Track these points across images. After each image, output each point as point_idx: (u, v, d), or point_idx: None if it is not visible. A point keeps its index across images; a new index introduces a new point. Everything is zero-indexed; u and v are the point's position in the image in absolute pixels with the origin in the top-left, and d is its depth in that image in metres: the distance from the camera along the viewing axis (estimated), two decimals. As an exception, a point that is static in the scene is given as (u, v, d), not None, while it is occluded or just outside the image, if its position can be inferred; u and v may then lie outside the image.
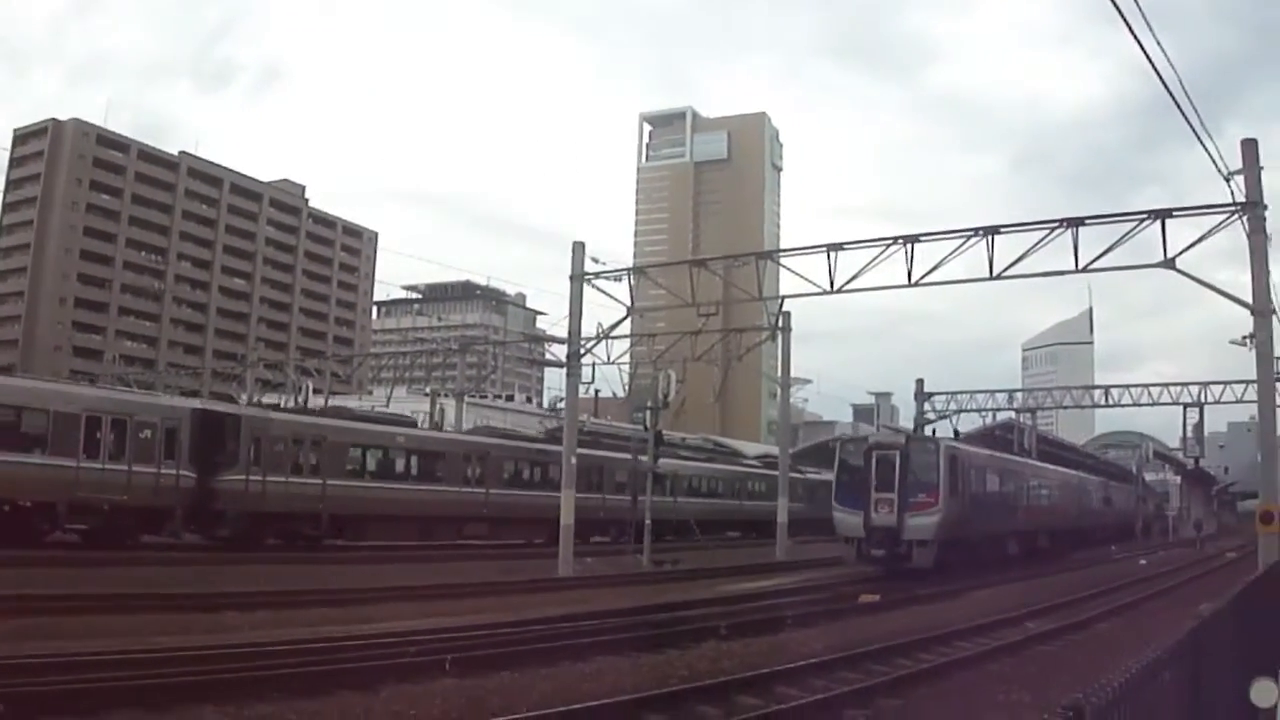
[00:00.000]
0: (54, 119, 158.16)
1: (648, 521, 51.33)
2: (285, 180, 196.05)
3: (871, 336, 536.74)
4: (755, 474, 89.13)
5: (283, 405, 62.94)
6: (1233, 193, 33.95)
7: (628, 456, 60.71)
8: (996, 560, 51.58)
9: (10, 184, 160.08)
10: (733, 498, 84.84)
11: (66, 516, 40.91)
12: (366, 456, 53.29)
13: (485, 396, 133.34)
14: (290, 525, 48.07)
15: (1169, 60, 24.24)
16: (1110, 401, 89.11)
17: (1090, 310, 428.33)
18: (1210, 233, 35.20)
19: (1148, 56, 22.28)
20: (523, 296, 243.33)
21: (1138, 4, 20.27)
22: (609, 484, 65.70)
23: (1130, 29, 20.43)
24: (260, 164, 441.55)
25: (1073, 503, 76.35)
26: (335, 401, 75.98)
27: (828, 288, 41.00)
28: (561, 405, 64.86)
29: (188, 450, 44.21)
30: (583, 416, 64.43)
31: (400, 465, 54.99)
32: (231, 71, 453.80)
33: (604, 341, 49.91)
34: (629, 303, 47.05)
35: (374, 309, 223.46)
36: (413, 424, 61.40)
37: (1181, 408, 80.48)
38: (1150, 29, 21.46)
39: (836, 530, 49.31)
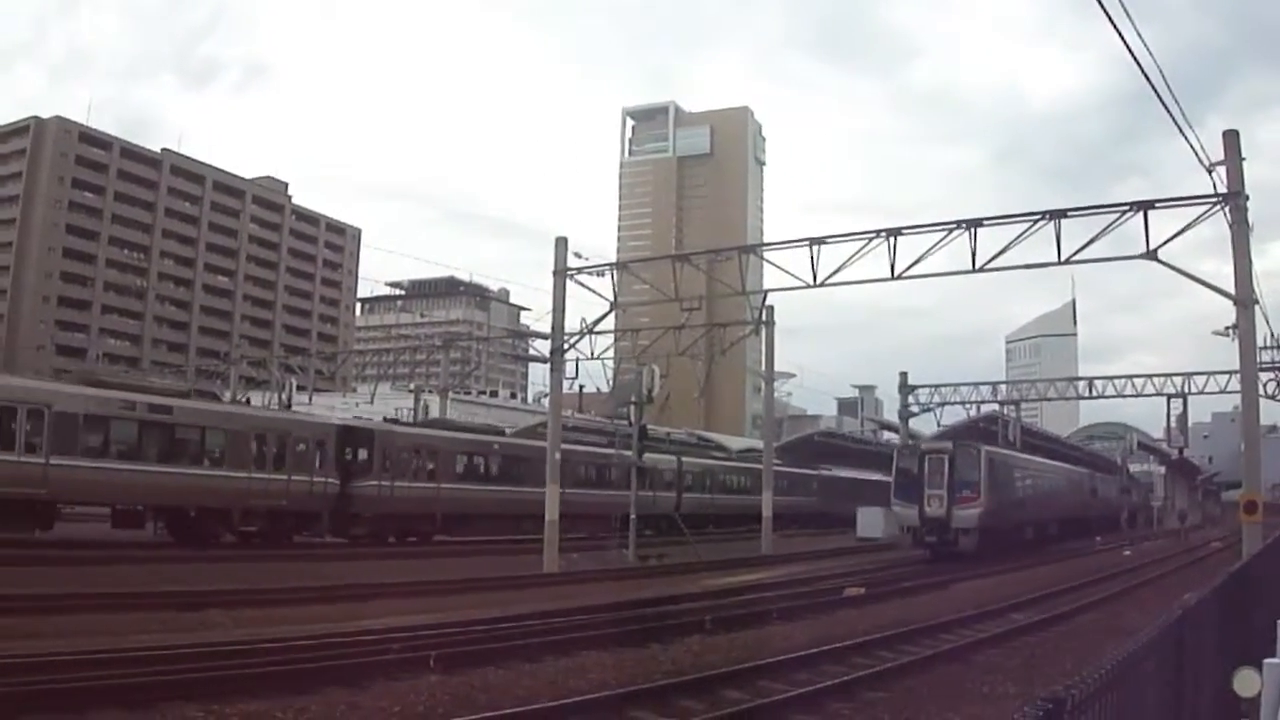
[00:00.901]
0: (36, 116, 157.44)
1: (633, 516, 51.34)
2: (268, 177, 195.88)
3: (855, 330, 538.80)
4: (786, 472, 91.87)
5: (268, 403, 63.07)
6: (1215, 184, 34.05)
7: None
8: (1020, 545, 59.75)
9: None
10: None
11: (240, 520, 47.40)
12: (472, 462, 59.90)
13: (469, 393, 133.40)
14: (412, 524, 53.05)
15: (1150, 52, 24.19)
16: (1094, 393, 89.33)
17: (1073, 302, 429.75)
18: (1192, 224, 35.28)
19: (1129, 48, 22.30)
20: (506, 292, 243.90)
21: (1119, -3, 20.30)
22: (659, 482, 72.37)
23: (1111, 21, 20.44)
24: (244, 161, 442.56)
25: (1074, 495, 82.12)
26: (319, 399, 76.09)
27: (810, 282, 41.03)
28: (545, 401, 64.79)
29: (333, 461, 51.32)
30: (566, 412, 64.43)
31: (496, 469, 61.11)
32: (216, 69, 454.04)
33: (587, 337, 50.08)
34: (612, 298, 47.06)
35: (357, 306, 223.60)
36: (501, 433, 67.87)
37: (1165, 399, 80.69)
38: (1131, 21, 21.48)
39: (895, 520, 61.22)
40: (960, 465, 55.27)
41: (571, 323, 48.21)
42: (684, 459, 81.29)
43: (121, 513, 44.83)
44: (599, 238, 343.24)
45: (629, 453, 53.14)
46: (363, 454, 53.02)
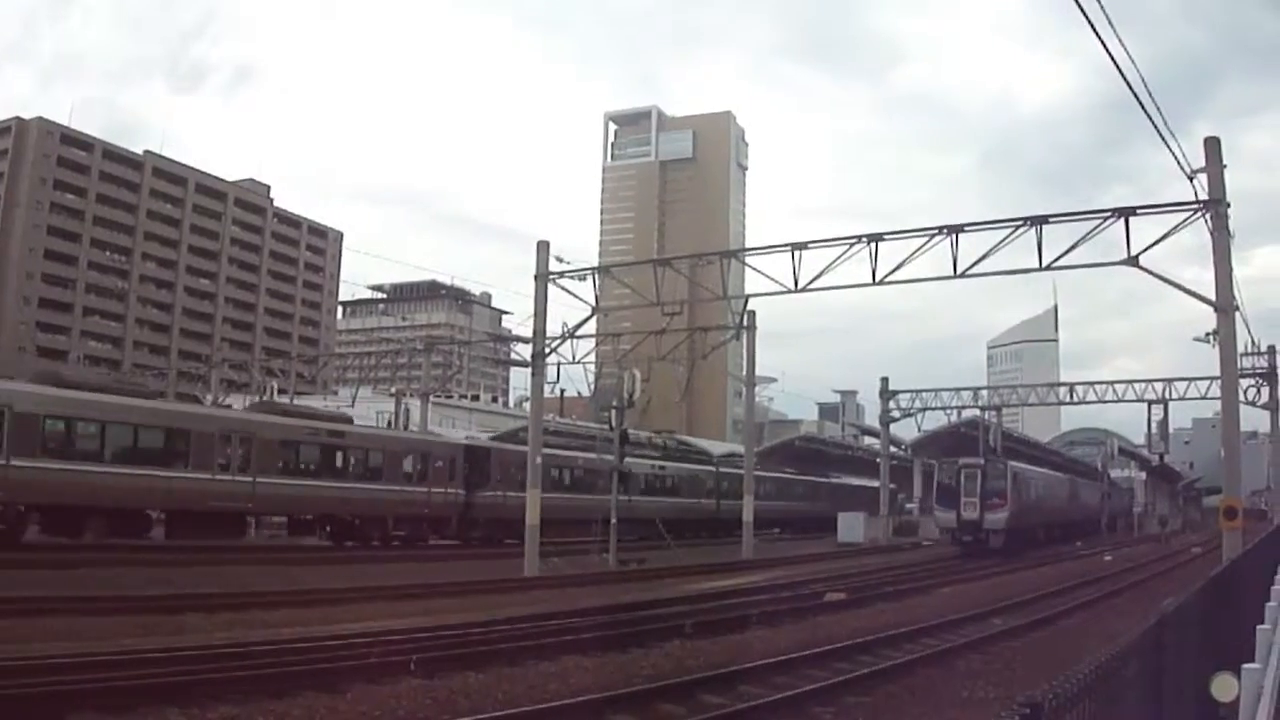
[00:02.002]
0: (18, 117, 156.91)
1: (613, 520, 51.37)
2: (250, 180, 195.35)
3: (838, 335, 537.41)
4: (795, 479, 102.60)
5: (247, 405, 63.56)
6: (1196, 191, 34.17)
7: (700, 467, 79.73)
8: (1034, 542, 70.41)
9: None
10: (779, 499, 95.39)
11: (393, 526, 56.62)
12: (560, 474, 68.31)
13: (450, 396, 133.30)
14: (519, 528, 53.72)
15: (1132, 60, 24.30)
16: (1075, 399, 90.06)
17: (1055, 308, 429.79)
18: (1173, 230, 35.37)
19: (1111, 57, 22.42)
20: (488, 296, 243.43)
21: (1101, 5, 20.37)
22: (700, 489, 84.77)
23: (1094, 29, 20.55)
24: (230, 165, 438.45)
25: (1070, 500, 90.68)
26: (299, 403, 76.11)
27: (792, 286, 41.12)
28: (527, 405, 64.92)
29: (462, 475, 60.82)
30: (548, 416, 64.68)
31: (571, 479, 70.62)
32: (205, 72, 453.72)
33: (569, 341, 50.12)
34: (594, 302, 47.09)
35: (339, 309, 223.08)
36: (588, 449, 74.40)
37: (1146, 404, 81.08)
38: (1114, 29, 21.56)
39: (936, 523, 71.70)
40: (990, 477, 66.20)
41: (553, 327, 48.40)
42: (720, 468, 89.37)
43: (297, 521, 54.43)
44: (581, 242, 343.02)
45: (671, 462, 54.48)
46: (481, 469, 62.53)
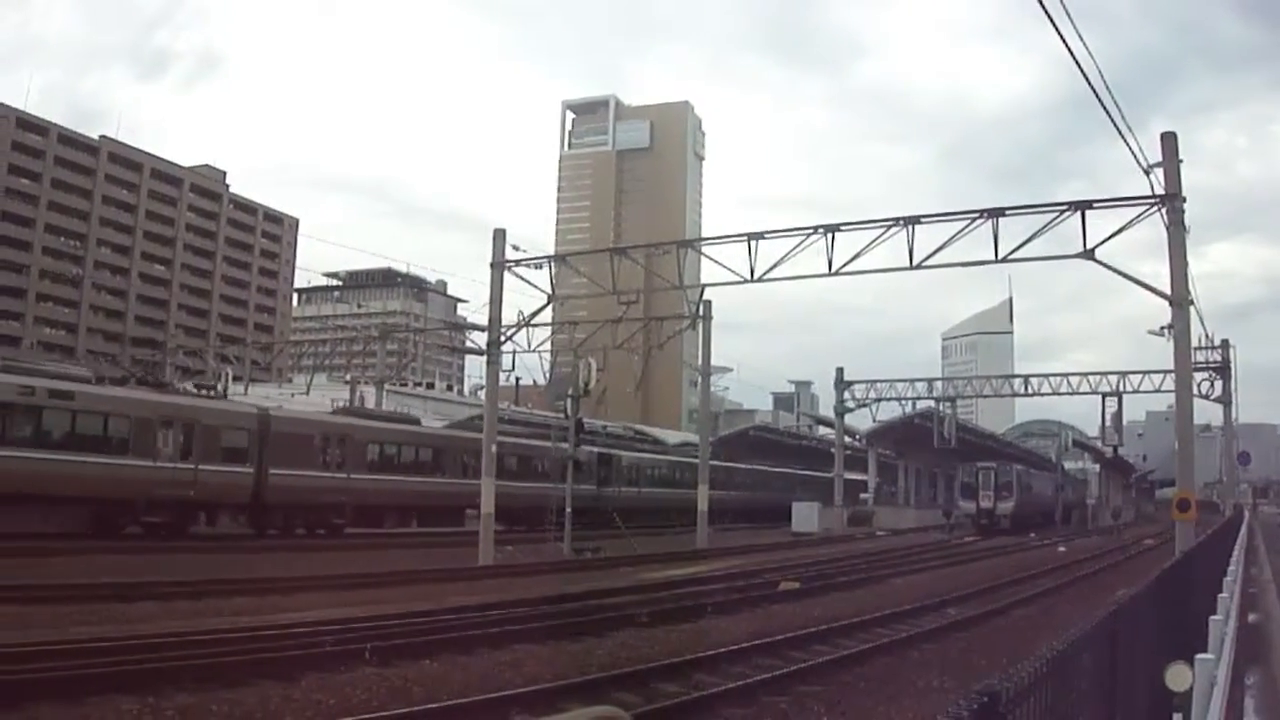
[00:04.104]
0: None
1: (568, 510, 51.45)
2: (206, 166, 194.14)
3: (794, 326, 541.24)
4: (749, 469, 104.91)
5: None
6: (1152, 185, 34.35)
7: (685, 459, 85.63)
8: (1028, 527, 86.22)
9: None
10: (763, 490, 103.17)
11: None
12: (655, 473, 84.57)
13: (405, 384, 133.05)
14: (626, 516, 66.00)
15: (1091, 56, 24.44)
16: (1030, 390, 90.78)
17: (1010, 300, 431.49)
18: (1129, 224, 35.55)
19: (1071, 54, 22.54)
20: (444, 284, 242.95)
21: (1062, 2, 20.45)
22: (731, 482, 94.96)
23: (1055, 26, 20.61)
24: (189, 152, 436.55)
25: (1047, 492, 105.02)
26: (255, 390, 75.94)
27: (748, 276, 41.12)
28: (482, 393, 64.82)
29: (596, 474, 73.10)
30: (503, 404, 64.67)
31: (661, 476, 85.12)
32: (168, 59, 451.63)
33: (525, 329, 50.11)
34: (550, 291, 47.06)
35: (294, 296, 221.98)
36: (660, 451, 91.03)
37: (1100, 397, 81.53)
38: (1074, 26, 21.69)
39: (959, 511, 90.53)
40: (1000, 476, 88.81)
41: (509, 315, 48.46)
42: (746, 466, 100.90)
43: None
44: (538, 231, 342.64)
45: (686, 458, 55.11)
46: (607, 469, 76.53)
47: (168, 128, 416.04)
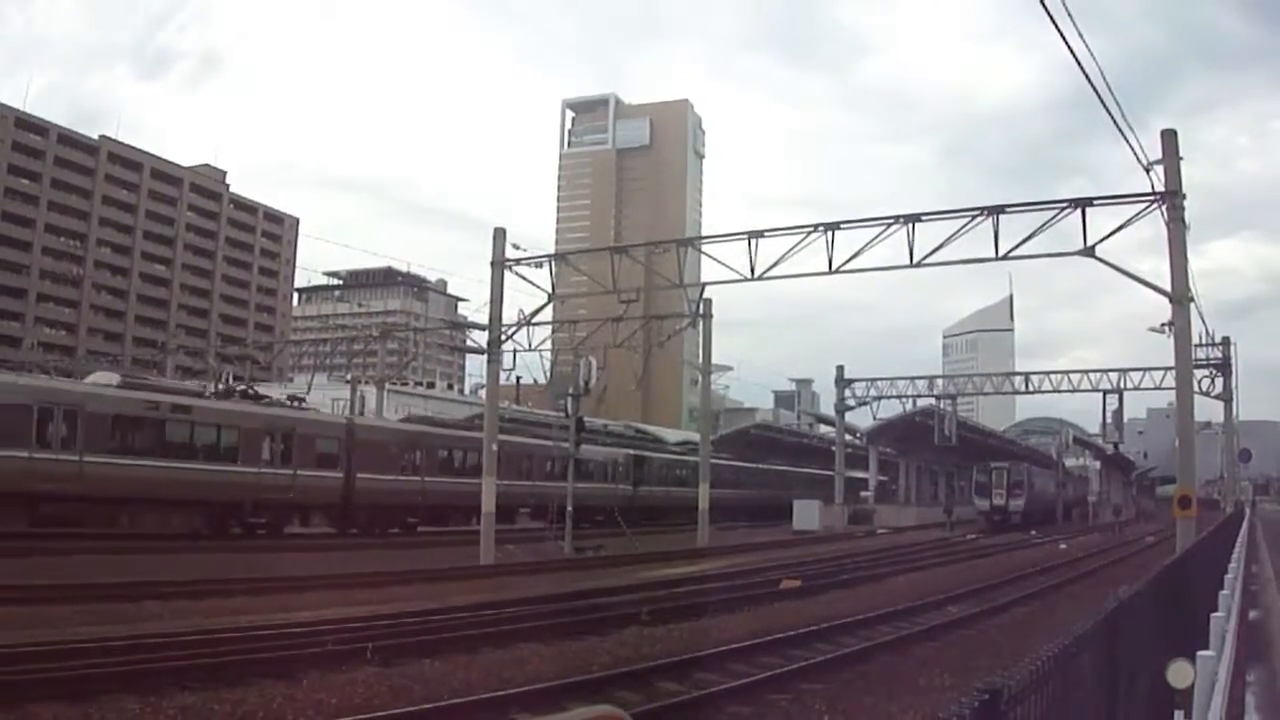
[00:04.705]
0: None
1: (569, 508, 51.47)
2: (206, 165, 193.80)
3: (796, 325, 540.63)
4: (751, 467, 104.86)
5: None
6: (1153, 182, 34.35)
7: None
8: (1036, 523, 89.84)
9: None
10: (763, 488, 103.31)
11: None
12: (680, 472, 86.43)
13: (406, 384, 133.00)
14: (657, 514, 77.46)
15: (1092, 54, 24.43)
16: (1031, 388, 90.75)
17: (1010, 297, 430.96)
18: (1129, 221, 35.57)
19: (1072, 52, 22.57)
20: (444, 283, 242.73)
21: (1063, 1, 20.48)
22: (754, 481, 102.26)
23: (1055, 24, 20.64)
24: (191, 151, 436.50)
25: (1051, 490, 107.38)
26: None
27: (748, 275, 41.11)
28: (482, 392, 64.84)
29: (631, 475, 79.89)
30: (503, 403, 64.74)
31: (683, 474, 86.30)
32: (170, 59, 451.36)
33: (525, 328, 50.03)
34: (550, 289, 47.08)
35: (295, 295, 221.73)
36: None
37: (1101, 394, 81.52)
38: (1075, 25, 21.69)
39: (975, 507, 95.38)
40: (1013, 475, 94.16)
41: (510, 314, 48.43)
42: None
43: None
44: (538, 229, 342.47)
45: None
46: (643, 470, 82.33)
47: (169, 128, 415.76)
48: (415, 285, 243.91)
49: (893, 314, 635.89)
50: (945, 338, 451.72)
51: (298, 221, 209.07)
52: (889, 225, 39.18)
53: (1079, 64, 23.44)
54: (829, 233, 39.80)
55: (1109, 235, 36.25)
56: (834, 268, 40.04)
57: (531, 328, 50.59)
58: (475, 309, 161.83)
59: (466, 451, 60.35)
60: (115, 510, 43.61)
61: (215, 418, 48.90)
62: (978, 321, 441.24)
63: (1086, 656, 6.13)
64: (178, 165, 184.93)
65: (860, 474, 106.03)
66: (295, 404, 57.90)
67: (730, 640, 22.44)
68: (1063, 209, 36.51)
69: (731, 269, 42.22)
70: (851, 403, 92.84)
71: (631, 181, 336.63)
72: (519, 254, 47.89)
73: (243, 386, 61.34)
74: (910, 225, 38.61)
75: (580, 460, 61.57)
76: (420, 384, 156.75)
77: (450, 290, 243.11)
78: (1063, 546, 61.89)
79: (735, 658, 20.62)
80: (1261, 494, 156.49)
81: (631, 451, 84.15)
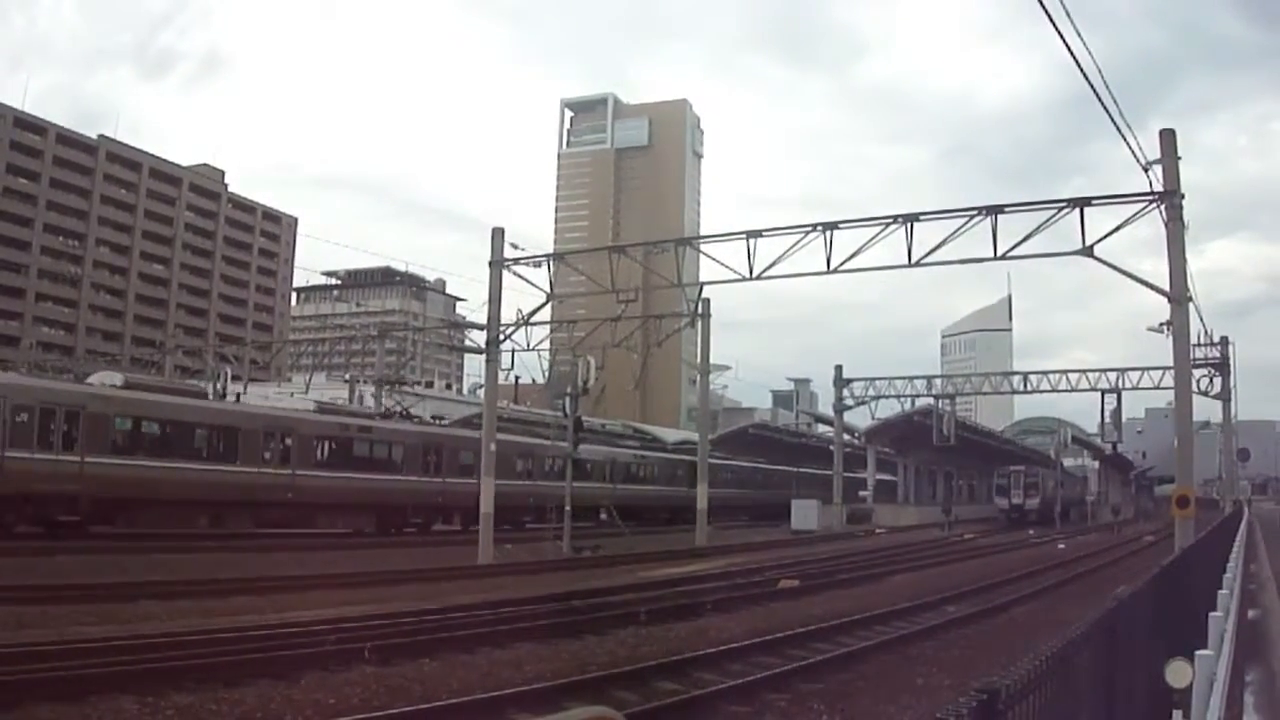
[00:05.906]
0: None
1: (567, 508, 51.46)
2: (205, 165, 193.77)
3: (794, 325, 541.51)
4: (773, 470, 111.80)
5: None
6: (1151, 183, 34.35)
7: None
8: (1050, 520, 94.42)
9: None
10: (762, 488, 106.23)
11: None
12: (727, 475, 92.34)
13: (404, 383, 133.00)
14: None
15: (1092, 56, 24.47)
16: (1029, 387, 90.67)
17: (1009, 297, 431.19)
18: (1128, 221, 35.56)
19: (1071, 53, 22.57)
20: (442, 282, 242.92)
21: (1062, 2, 20.48)
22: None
23: (1055, 26, 20.64)
24: (191, 151, 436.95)
25: (1069, 489, 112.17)
26: (254, 389, 76.00)
27: (747, 274, 41.12)
28: (481, 392, 64.83)
29: (685, 479, 79.02)
30: (502, 403, 64.85)
31: (732, 479, 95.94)
32: (171, 60, 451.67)
33: (524, 328, 50.03)
34: (549, 289, 47.06)
35: (293, 295, 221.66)
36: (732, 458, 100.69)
37: (1099, 394, 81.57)
38: (1074, 25, 21.70)
39: (995, 505, 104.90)
40: (1028, 476, 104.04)
41: (508, 314, 48.34)
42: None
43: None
44: (536, 229, 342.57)
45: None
46: (689, 473, 78.53)
47: (169, 128, 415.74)
48: (413, 285, 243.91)
49: (891, 314, 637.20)
50: (944, 337, 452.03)
51: (296, 221, 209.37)
52: (887, 225, 39.17)
53: (1078, 64, 23.46)
54: (827, 232, 39.80)
55: (1108, 235, 36.28)
56: (832, 267, 40.02)
57: (530, 327, 50.68)
58: (474, 309, 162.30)
59: (536, 457, 68.56)
60: (321, 513, 53.88)
61: (388, 436, 58.85)
62: (976, 321, 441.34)
63: (1085, 656, 6.12)
64: (177, 165, 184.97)
65: (859, 474, 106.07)
66: (438, 421, 67.60)
67: (728, 640, 22.44)
68: (1061, 209, 36.50)
69: (730, 269, 42.29)
70: (850, 402, 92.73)
71: (630, 181, 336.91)
72: (517, 253, 47.85)
73: (400, 409, 69.44)
74: (909, 225, 38.60)
75: (579, 460, 61.77)
76: (419, 384, 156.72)
77: (449, 290, 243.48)
78: (1061, 546, 61.90)
79: (733, 657, 20.60)
80: (1260, 493, 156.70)
81: (632, 451, 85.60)
